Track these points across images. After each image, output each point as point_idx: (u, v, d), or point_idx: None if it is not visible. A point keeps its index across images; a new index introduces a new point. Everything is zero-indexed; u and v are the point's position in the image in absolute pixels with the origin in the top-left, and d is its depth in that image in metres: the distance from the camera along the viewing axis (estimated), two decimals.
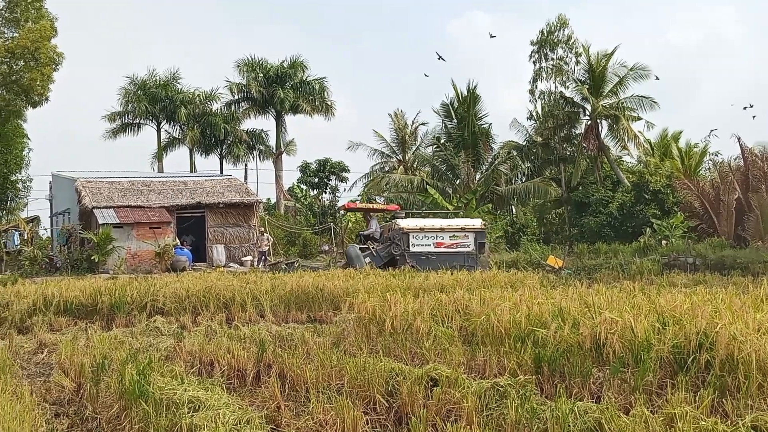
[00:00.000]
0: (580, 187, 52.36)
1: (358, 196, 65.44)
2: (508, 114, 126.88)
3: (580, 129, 54.38)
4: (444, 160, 54.27)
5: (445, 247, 33.91)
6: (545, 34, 57.63)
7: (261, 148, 68.88)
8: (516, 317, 12.44)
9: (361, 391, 9.98)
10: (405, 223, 34.07)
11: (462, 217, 39.32)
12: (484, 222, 37.10)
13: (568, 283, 22.61)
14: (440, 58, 50.93)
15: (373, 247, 33.69)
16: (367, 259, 32.32)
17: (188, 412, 8.66)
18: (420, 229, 33.87)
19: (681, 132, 61.73)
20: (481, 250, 34.72)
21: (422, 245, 33.60)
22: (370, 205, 39.99)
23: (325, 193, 72.83)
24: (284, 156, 66.44)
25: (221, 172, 65.02)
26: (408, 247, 33.38)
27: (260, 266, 39.02)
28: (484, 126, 56.36)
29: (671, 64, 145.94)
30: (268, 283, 23.12)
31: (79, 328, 20.00)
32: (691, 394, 8.98)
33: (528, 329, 11.91)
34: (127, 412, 9.42)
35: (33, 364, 15.57)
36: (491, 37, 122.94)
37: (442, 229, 34.26)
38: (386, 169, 65.83)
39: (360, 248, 33.91)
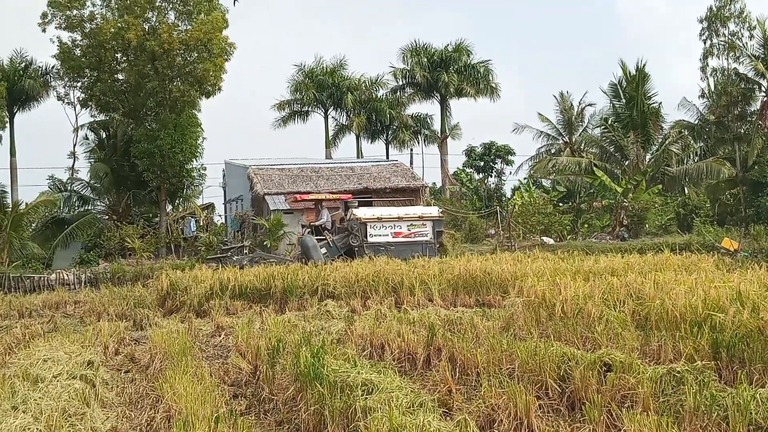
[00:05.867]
0: (756, 167, 50.22)
1: (524, 179, 64.86)
2: (679, 92, 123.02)
3: (756, 106, 52.16)
4: (612, 141, 53.12)
5: (403, 237, 32.63)
6: (715, 10, 55.69)
7: (426, 132, 68.93)
8: (691, 301, 12.08)
9: (533, 376, 9.91)
10: (362, 213, 32.98)
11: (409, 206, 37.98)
12: (441, 210, 35.76)
13: (746, 266, 21.78)
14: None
15: (330, 238, 32.56)
16: (323, 250, 31.29)
17: (362, 395, 8.78)
18: (378, 218, 32.68)
19: None
20: (438, 239, 33.54)
21: (380, 235, 32.40)
22: (320, 195, 38.21)
23: (491, 176, 72.47)
24: (449, 140, 66.24)
25: (387, 157, 65.54)
26: (366, 237, 32.24)
27: None
28: (654, 105, 54.77)
29: None
30: (435, 267, 23.19)
31: (253, 311, 20.62)
32: None
33: (704, 314, 11.56)
34: (302, 393, 9.62)
35: (211, 347, 16.13)
36: None
37: (399, 218, 32.96)
38: (552, 151, 64.87)
39: (316, 239, 32.59)
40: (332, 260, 28.81)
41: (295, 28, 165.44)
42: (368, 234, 32.06)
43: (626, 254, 26.77)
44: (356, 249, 31.80)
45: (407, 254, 29.52)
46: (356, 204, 35.04)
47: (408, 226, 32.78)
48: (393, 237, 32.46)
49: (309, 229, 34.33)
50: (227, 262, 29.72)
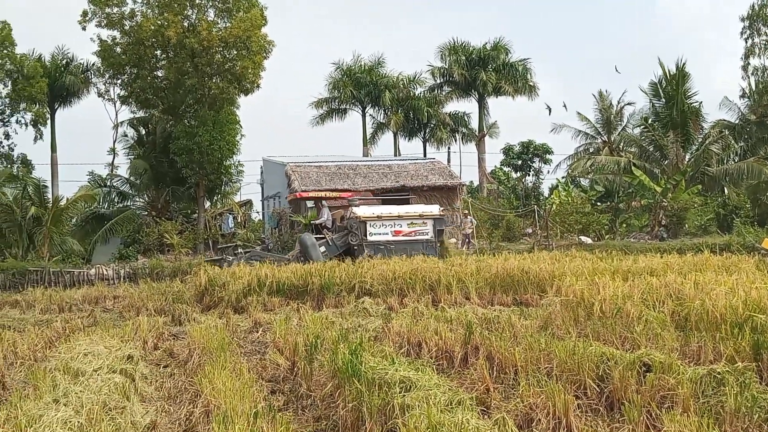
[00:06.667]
0: None
1: (562, 178, 64.58)
2: (720, 92, 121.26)
3: None
4: (651, 141, 52.73)
5: (403, 235, 31.80)
6: (756, 9, 55.12)
7: (464, 130, 68.95)
8: (732, 302, 11.96)
9: (571, 375, 9.86)
10: (361, 212, 32.28)
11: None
12: (441, 208, 35.17)
13: None
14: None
15: (329, 237, 31.83)
16: (322, 249, 30.63)
17: (400, 392, 8.78)
18: (377, 217, 31.94)
19: None
20: (439, 238, 33.18)
21: (380, 234, 31.59)
22: (322, 194, 37.37)
23: (529, 175, 72.29)
24: (487, 138, 66.28)
25: (424, 155, 65.65)
26: (365, 236, 31.47)
27: (464, 249, 39.09)
28: (694, 105, 54.35)
29: None
30: (473, 265, 23.12)
31: (291, 308, 20.70)
32: None
33: (745, 315, 11.44)
34: (340, 390, 9.64)
35: (249, 343, 16.22)
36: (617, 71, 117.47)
37: (399, 217, 32.20)
38: (591, 150, 64.55)
39: (316, 237, 31.82)
40: (330, 259, 28.72)
41: (329, 26, 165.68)
42: (368, 232, 31.51)
43: (665, 254, 26.54)
44: (356, 248, 31.33)
45: (407, 253, 29.22)
46: (357, 202, 34.65)
47: (408, 224, 32.40)
48: (393, 236, 31.82)
49: (308, 228, 34.03)
50: (223, 261, 29.47)
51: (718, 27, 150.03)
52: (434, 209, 33.55)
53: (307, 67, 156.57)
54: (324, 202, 35.23)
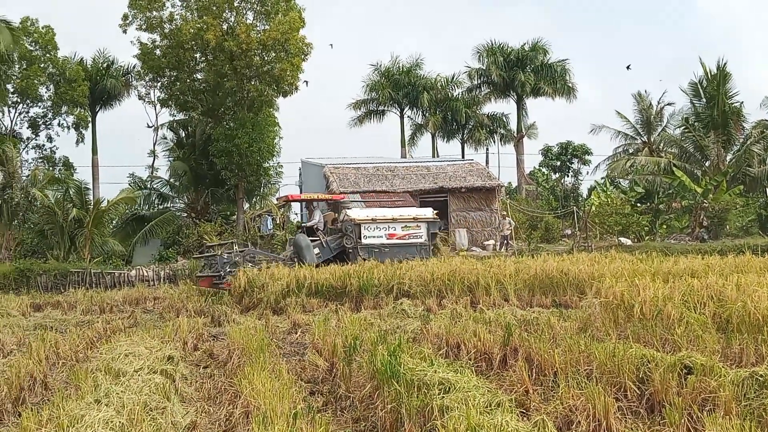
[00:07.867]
0: None
1: (601, 179, 64.18)
2: (761, 91, 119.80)
3: None
4: (692, 141, 52.24)
5: (397, 238, 31.96)
6: None
7: (502, 131, 68.60)
8: None
9: (611, 377, 9.81)
10: (356, 214, 32.27)
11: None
12: (435, 211, 34.82)
13: None
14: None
15: (323, 239, 31.68)
16: (316, 250, 30.59)
17: (439, 394, 8.77)
18: (372, 219, 31.96)
19: None
20: (432, 240, 33.06)
21: (374, 237, 31.76)
22: (314, 195, 36.98)
23: (567, 176, 71.90)
24: (525, 139, 65.92)
25: (462, 156, 65.46)
26: (360, 238, 31.58)
27: (503, 250, 38.97)
28: (735, 105, 53.75)
29: None
30: (511, 267, 23.07)
31: (329, 309, 20.80)
32: None
33: None
34: (379, 391, 9.65)
35: (288, 344, 16.29)
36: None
37: (394, 220, 32.27)
38: (630, 151, 64.02)
39: (310, 239, 31.58)
40: (324, 262, 28.89)
41: (366, 28, 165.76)
42: (362, 235, 31.55)
43: (706, 256, 26.27)
44: (350, 250, 31.49)
45: (401, 256, 29.56)
46: (350, 204, 34.54)
47: (402, 227, 32.29)
48: (387, 238, 31.89)
49: (301, 230, 33.95)
50: (214, 262, 29.12)
51: (759, 25, 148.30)
52: (428, 212, 33.53)
53: (347, 68, 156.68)
54: (315, 204, 35.13)
